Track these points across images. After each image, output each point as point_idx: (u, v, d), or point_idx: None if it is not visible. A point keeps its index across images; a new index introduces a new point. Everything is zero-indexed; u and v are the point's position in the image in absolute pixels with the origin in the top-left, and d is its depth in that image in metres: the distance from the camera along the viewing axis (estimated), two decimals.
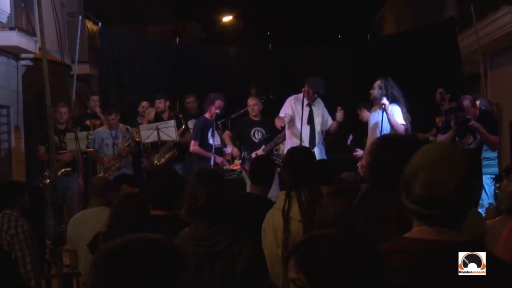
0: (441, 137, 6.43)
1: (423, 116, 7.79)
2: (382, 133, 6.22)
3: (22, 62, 9.14)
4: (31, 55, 8.95)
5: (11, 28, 8.19)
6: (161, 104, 8.03)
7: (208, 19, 22.49)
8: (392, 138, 2.52)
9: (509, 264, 1.68)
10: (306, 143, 6.65)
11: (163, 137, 7.34)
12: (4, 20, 8.04)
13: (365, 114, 7.24)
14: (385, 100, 6.41)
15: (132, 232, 1.44)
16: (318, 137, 6.94)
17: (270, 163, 4.08)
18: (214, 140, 7.21)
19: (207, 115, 7.42)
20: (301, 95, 6.74)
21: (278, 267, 2.99)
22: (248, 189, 5.27)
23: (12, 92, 8.93)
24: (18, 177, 8.15)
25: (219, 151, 7.31)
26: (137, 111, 8.42)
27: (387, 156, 2.23)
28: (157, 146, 7.55)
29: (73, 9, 11.83)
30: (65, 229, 4.61)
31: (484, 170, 6.59)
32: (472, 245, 1.65)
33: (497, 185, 6.67)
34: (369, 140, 6.56)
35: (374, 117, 6.67)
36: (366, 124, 7.14)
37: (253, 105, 7.45)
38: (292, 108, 6.82)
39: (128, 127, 7.78)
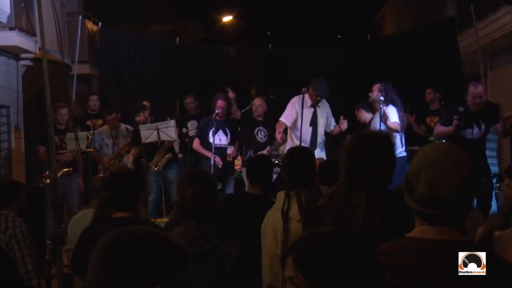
0: (439, 128, 6.43)
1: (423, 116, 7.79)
2: None
3: (22, 62, 9.15)
4: (31, 55, 8.96)
5: (11, 28, 8.20)
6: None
7: (208, 19, 22.50)
8: (364, 136, 2.56)
9: (509, 264, 1.68)
10: (307, 145, 6.63)
11: (163, 137, 7.33)
12: (4, 20, 8.04)
13: (363, 114, 7.24)
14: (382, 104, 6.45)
15: (98, 236, 1.46)
16: (320, 139, 6.93)
17: (267, 163, 4.07)
18: (214, 139, 7.20)
19: (212, 114, 7.43)
20: (302, 96, 6.74)
21: (278, 267, 2.98)
22: (246, 189, 5.25)
23: (12, 92, 8.94)
24: (18, 177, 8.15)
25: (222, 150, 7.28)
26: (136, 111, 8.37)
27: (359, 153, 2.35)
28: (156, 147, 7.51)
29: (73, 9, 11.84)
30: (65, 229, 4.62)
31: None
32: (472, 245, 1.66)
33: (497, 185, 6.67)
34: None
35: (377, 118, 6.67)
36: (364, 124, 7.13)
37: (258, 105, 7.49)
38: (296, 111, 6.81)
39: (129, 126, 7.78)
